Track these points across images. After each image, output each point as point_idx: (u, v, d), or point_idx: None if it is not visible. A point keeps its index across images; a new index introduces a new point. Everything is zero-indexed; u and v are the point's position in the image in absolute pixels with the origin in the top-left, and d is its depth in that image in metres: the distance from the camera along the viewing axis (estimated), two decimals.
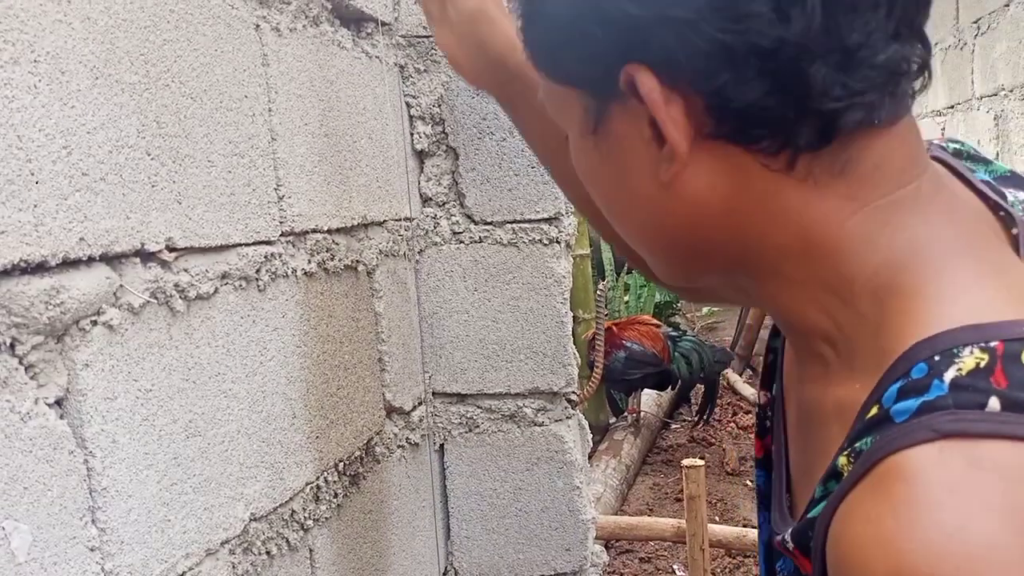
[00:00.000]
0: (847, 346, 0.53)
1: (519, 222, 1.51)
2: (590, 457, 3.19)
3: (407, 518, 1.41)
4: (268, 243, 0.99)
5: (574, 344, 1.59)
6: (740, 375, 5.52)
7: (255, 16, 0.99)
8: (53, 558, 0.65)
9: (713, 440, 4.54)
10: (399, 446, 1.39)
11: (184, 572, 0.82)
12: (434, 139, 1.50)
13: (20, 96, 0.63)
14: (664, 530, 2.58)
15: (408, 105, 1.49)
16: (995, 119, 3.29)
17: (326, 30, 1.18)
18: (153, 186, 0.78)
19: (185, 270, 0.83)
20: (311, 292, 1.10)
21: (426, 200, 1.53)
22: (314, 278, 1.11)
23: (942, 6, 3.86)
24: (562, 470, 1.57)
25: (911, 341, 0.47)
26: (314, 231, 1.11)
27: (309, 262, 1.09)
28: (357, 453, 1.22)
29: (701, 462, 2.38)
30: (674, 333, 4.52)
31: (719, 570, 3.14)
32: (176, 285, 0.81)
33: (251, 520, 0.94)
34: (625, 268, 5.91)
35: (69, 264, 0.68)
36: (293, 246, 1.06)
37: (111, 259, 0.73)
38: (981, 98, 3.44)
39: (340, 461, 1.17)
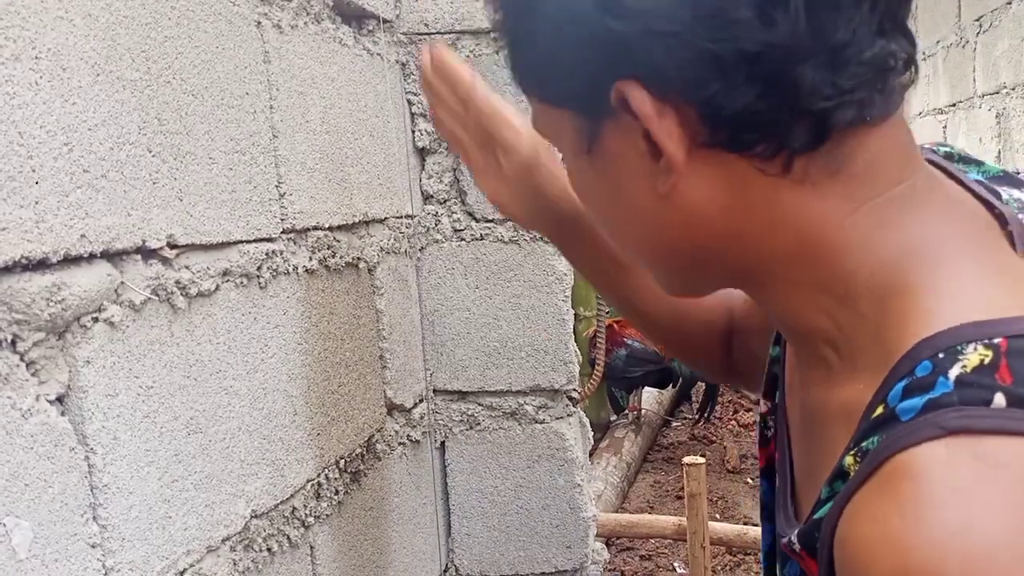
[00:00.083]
0: (849, 347, 0.53)
1: None
2: (591, 455, 3.19)
3: (408, 515, 1.41)
4: (269, 240, 0.99)
5: (575, 342, 1.59)
6: None
7: (256, 13, 0.98)
8: (54, 555, 0.65)
9: (714, 438, 4.54)
10: (400, 443, 1.39)
11: (185, 569, 0.82)
12: (435, 136, 1.50)
13: (21, 93, 0.63)
14: (665, 528, 2.58)
15: (409, 102, 1.49)
16: (997, 117, 3.29)
17: (328, 27, 1.18)
18: (154, 183, 0.78)
19: (186, 267, 0.83)
20: (312, 289, 1.10)
21: (427, 197, 1.53)
22: (315, 275, 1.11)
23: (944, 4, 3.85)
24: (563, 467, 1.58)
25: (914, 339, 0.47)
26: (315, 228, 1.11)
27: (310, 259, 1.09)
28: (358, 450, 1.22)
29: (702, 460, 2.38)
30: None
31: (720, 568, 3.14)
32: (177, 282, 0.81)
33: (252, 517, 0.94)
34: None
35: (70, 261, 0.68)
36: (294, 243, 1.06)
37: (112, 256, 0.73)
38: (983, 96, 3.44)
39: (341, 458, 1.17)
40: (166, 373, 0.80)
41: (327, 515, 1.12)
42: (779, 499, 0.63)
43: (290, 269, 1.04)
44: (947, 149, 0.62)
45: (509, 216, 0.90)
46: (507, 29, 0.56)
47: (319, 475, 1.10)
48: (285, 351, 1.02)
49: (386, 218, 1.36)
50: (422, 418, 1.50)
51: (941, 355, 0.45)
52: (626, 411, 4.42)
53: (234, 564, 0.90)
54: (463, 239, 1.52)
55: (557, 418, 1.57)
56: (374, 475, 1.28)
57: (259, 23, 0.99)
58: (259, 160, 0.97)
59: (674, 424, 4.84)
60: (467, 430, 1.57)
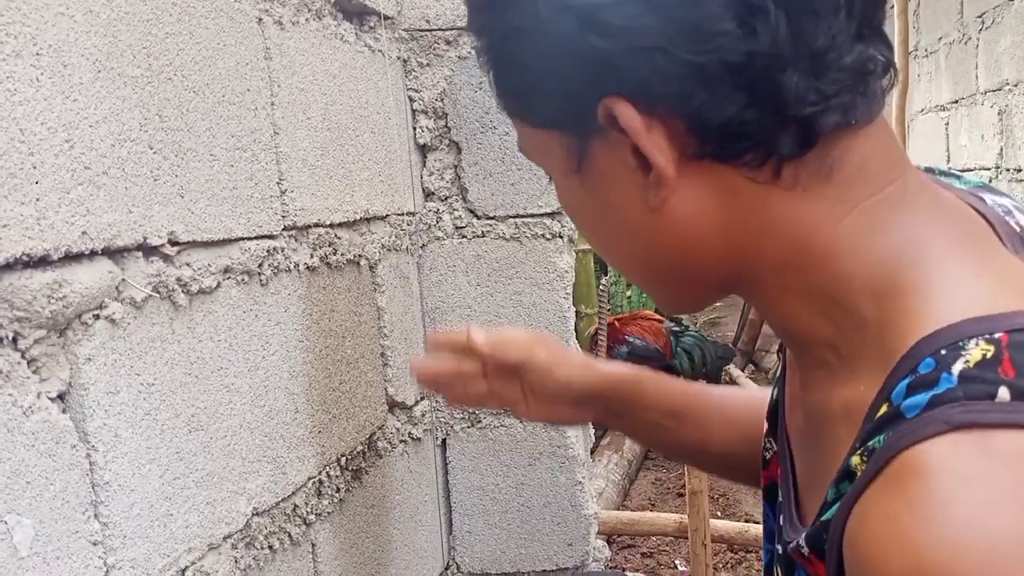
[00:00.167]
0: (849, 349, 0.53)
1: (522, 217, 1.51)
2: (592, 452, 3.19)
3: (409, 513, 1.41)
4: (270, 237, 0.99)
5: (577, 339, 1.58)
6: (742, 370, 5.51)
7: (257, 9, 0.98)
8: (56, 552, 0.65)
9: None
10: (401, 441, 1.39)
11: (186, 567, 0.82)
12: (437, 133, 1.50)
13: (22, 89, 0.63)
14: (666, 525, 2.58)
15: (411, 99, 1.49)
16: (999, 114, 3.29)
17: (329, 24, 1.18)
18: (155, 180, 0.78)
19: (187, 264, 0.83)
20: (313, 286, 1.10)
21: (429, 194, 1.52)
22: (316, 272, 1.11)
23: (946, 0, 3.85)
24: (564, 465, 1.57)
25: (915, 337, 0.47)
26: (316, 225, 1.11)
27: (311, 256, 1.09)
28: (359, 448, 1.22)
29: None
30: (676, 328, 4.52)
31: (721, 565, 3.14)
32: (178, 279, 0.81)
33: (253, 514, 0.94)
34: None
35: (71, 258, 0.68)
36: (295, 240, 1.05)
37: (113, 253, 0.73)
38: (985, 93, 3.43)
39: (342, 456, 1.17)
40: (167, 370, 0.80)
41: (328, 513, 1.12)
42: (783, 507, 0.63)
43: (291, 266, 1.03)
44: (926, 166, 0.63)
45: (567, 423, 0.91)
46: (491, 54, 0.56)
47: (320, 473, 1.10)
48: (286, 348, 1.02)
49: (387, 215, 1.36)
50: (423, 416, 1.50)
51: (943, 352, 0.45)
52: None
53: (235, 562, 0.90)
54: (464, 236, 1.52)
55: None
56: (375, 473, 1.28)
57: (260, 19, 0.99)
58: (260, 157, 0.97)
59: None
60: (468, 428, 1.57)
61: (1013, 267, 0.51)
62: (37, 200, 0.64)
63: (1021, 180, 3.15)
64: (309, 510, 1.06)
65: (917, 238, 0.51)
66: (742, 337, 5.82)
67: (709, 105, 0.48)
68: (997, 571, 0.39)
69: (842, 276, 0.52)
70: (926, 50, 4.21)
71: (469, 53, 1.47)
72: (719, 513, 3.50)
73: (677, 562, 3.23)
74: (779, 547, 0.62)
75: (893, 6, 3.08)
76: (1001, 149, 3.29)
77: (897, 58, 3.14)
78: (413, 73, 1.48)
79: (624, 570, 3.11)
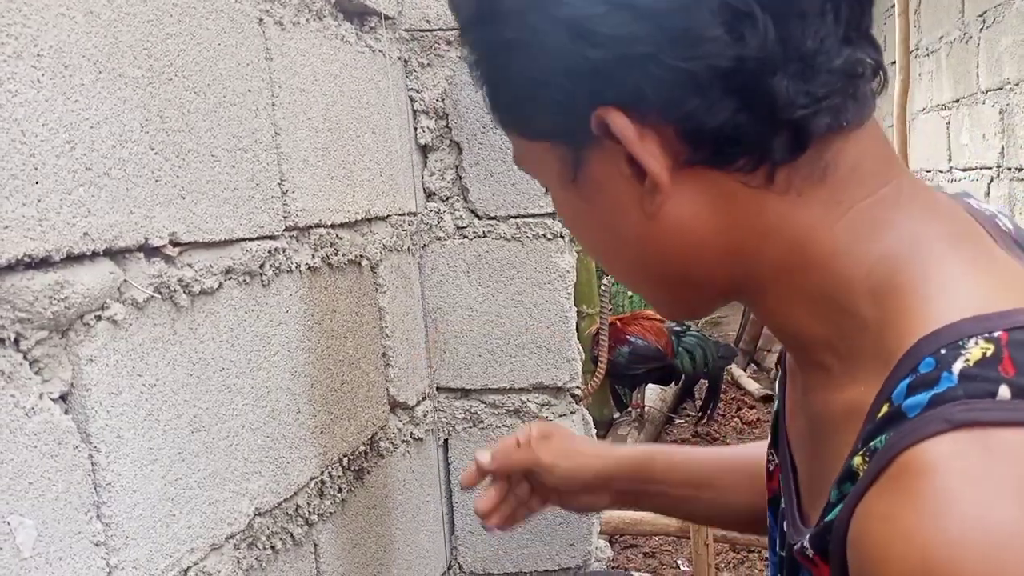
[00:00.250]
0: (849, 350, 0.53)
1: (523, 217, 1.51)
2: None
3: (411, 513, 1.41)
4: (272, 238, 0.99)
5: (578, 339, 1.58)
6: (744, 370, 5.51)
7: (258, 10, 0.98)
8: (58, 553, 0.65)
9: (717, 435, 4.54)
10: (403, 441, 1.39)
11: (189, 567, 0.82)
12: (438, 133, 1.50)
13: (23, 90, 0.63)
14: (668, 525, 2.58)
15: (412, 99, 1.49)
16: (1000, 113, 3.28)
17: (329, 24, 1.18)
18: (157, 181, 0.78)
19: (189, 265, 0.83)
20: (315, 287, 1.10)
21: (430, 195, 1.52)
22: (318, 273, 1.11)
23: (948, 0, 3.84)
24: None
25: (915, 337, 0.47)
26: (318, 226, 1.11)
27: (313, 257, 1.09)
28: (361, 448, 1.22)
29: None
30: (678, 328, 4.52)
31: (723, 565, 3.14)
32: (180, 280, 0.81)
33: (256, 515, 0.94)
34: None
35: (73, 259, 0.68)
36: (297, 241, 1.05)
37: (115, 254, 0.73)
38: (986, 92, 3.43)
39: (344, 456, 1.17)
40: (169, 371, 0.80)
41: (331, 513, 1.12)
42: (786, 511, 0.63)
43: (293, 267, 1.03)
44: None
45: (592, 510, 0.95)
46: (483, 68, 0.56)
47: (322, 473, 1.10)
48: (288, 349, 1.02)
49: (389, 216, 1.36)
50: (425, 416, 1.50)
51: (943, 351, 0.45)
52: (629, 408, 4.42)
53: (238, 562, 0.90)
54: (466, 237, 1.52)
55: (560, 416, 1.56)
56: (377, 473, 1.28)
57: (261, 20, 0.99)
58: (261, 157, 0.97)
59: (677, 421, 4.84)
60: (470, 428, 1.57)
61: (1009, 265, 0.51)
62: (38, 201, 0.64)
63: (1023, 179, 3.14)
64: (311, 510, 1.06)
65: (913, 238, 0.51)
66: (744, 337, 5.82)
67: (701, 111, 0.49)
68: (1000, 569, 0.39)
69: (840, 277, 0.52)
70: (927, 49, 4.20)
71: None
72: None
73: (679, 562, 3.23)
74: (783, 553, 0.62)
75: (894, 5, 3.07)
76: (1002, 148, 3.29)
77: (898, 57, 3.12)
78: (414, 73, 1.48)
79: (628, 570, 3.11)
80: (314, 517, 1.07)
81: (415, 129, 1.49)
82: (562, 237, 1.52)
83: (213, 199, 0.87)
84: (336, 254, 1.15)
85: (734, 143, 0.50)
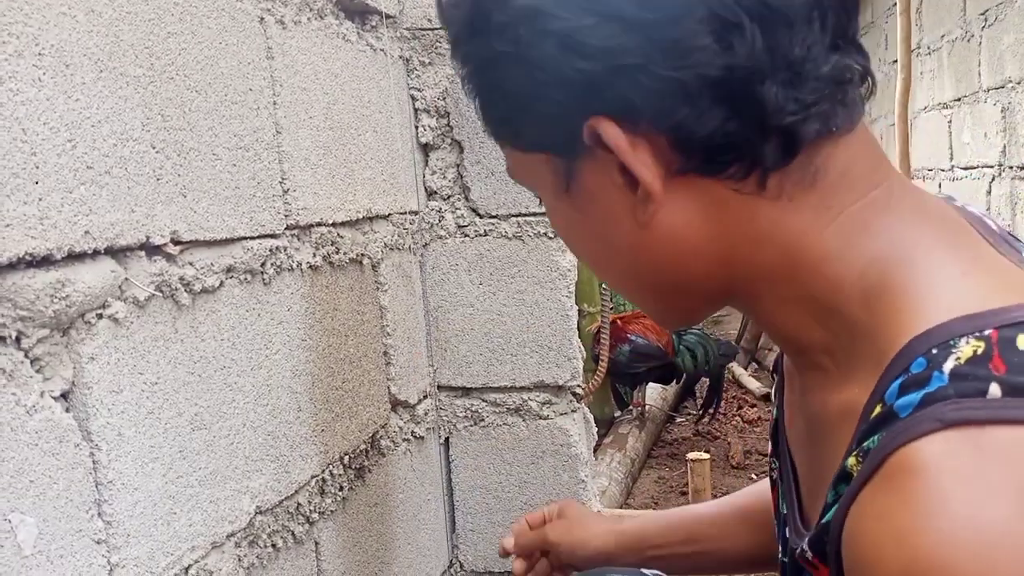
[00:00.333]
0: (844, 352, 0.54)
1: (524, 215, 1.51)
2: (595, 451, 3.18)
3: (412, 511, 1.41)
4: (273, 236, 0.99)
5: (579, 337, 1.58)
6: (745, 369, 5.51)
7: (259, 9, 0.98)
8: (59, 551, 0.65)
9: (718, 434, 4.54)
10: (404, 439, 1.39)
11: (190, 565, 0.82)
12: (439, 132, 1.50)
13: (25, 89, 0.63)
14: None
15: (413, 98, 1.49)
16: (1002, 111, 3.28)
17: (331, 23, 1.18)
18: (158, 179, 0.78)
19: (190, 263, 0.83)
20: (316, 285, 1.10)
21: (431, 193, 1.53)
22: (319, 271, 1.11)
23: None
24: (567, 463, 1.57)
25: (906, 337, 0.48)
26: (319, 224, 1.11)
27: (314, 255, 1.09)
28: (362, 446, 1.22)
29: (706, 456, 2.38)
30: None
31: None
32: (181, 278, 0.81)
33: (257, 513, 0.94)
34: None
35: (74, 257, 0.68)
36: (298, 239, 1.06)
37: (116, 252, 0.73)
38: (988, 90, 3.43)
39: (345, 454, 1.17)
40: (170, 369, 0.80)
41: (331, 511, 1.12)
42: (788, 516, 0.63)
43: (294, 265, 1.04)
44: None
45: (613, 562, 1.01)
46: (475, 82, 0.57)
47: (323, 471, 1.10)
48: (289, 347, 1.02)
49: (390, 214, 1.36)
50: (426, 414, 1.50)
51: (935, 351, 0.46)
52: (630, 407, 4.42)
53: (239, 560, 0.90)
54: (467, 235, 1.52)
55: (561, 414, 1.56)
56: (378, 471, 1.28)
57: (262, 19, 0.99)
58: (263, 156, 0.97)
59: (678, 420, 4.84)
60: (471, 426, 1.57)
61: (999, 264, 0.51)
62: (40, 200, 0.64)
63: None
64: (312, 508, 1.06)
65: (904, 239, 0.52)
66: (745, 335, 5.82)
67: (691, 120, 0.49)
68: (993, 567, 0.39)
69: (832, 280, 0.53)
70: (929, 48, 4.20)
71: None
72: None
73: None
74: (786, 558, 0.62)
75: (896, 3, 3.07)
76: (1004, 147, 3.29)
77: (900, 55, 3.11)
78: (415, 72, 1.48)
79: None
80: (315, 515, 1.07)
81: (416, 128, 1.49)
82: None
83: (214, 198, 0.87)
84: (337, 253, 1.15)
85: (725, 151, 0.50)
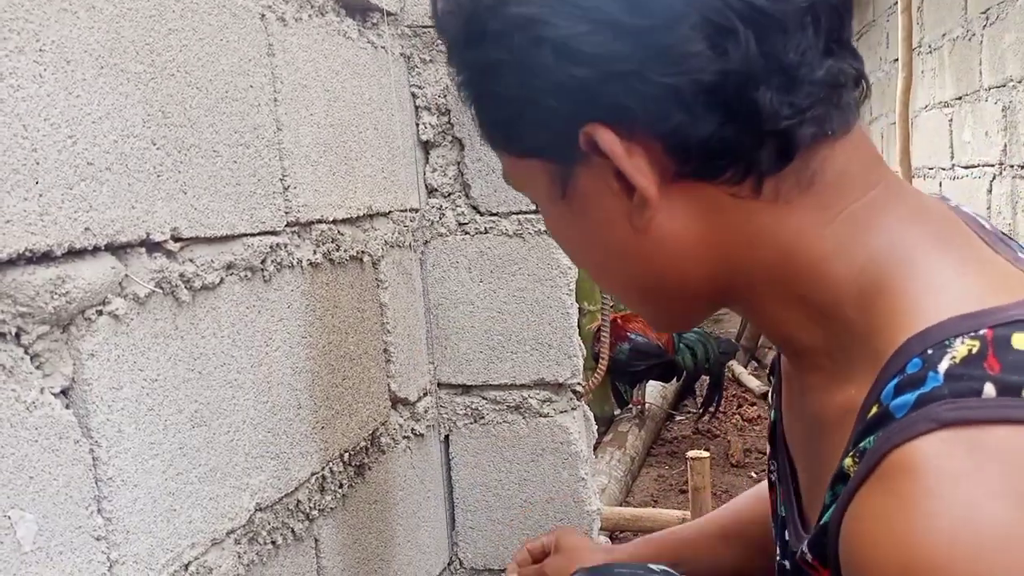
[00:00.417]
0: (842, 353, 0.54)
1: (525, 213, 1.51)
2: (595, 448, 3.19)
3: (412, 509, 1.42)
4: (273, 233, 0.99)
5: (579, 335, 1.58)
6: (745, 367, 5.51)
7: (260, 6, 0.98)
8: (59, 547, 0.65)
9: (718, 432, 4.54)
10: (404, 437, 1.40)
11: (190, 562, 0.82)
12: (440, 129, 1.50)
13: (25, 85, 0.63)
14: (669, 521, 2.58)
15: (414, 95, 1.49)
16: (1003, 110, 3.28)
17: (332, 20, 1.18)
18: (158, 176, 0.78)
19: (190, 260, 0.83)
20: (316, 283, 1.10)
21: (432, 191, 1.52)
22: (319, 269, 1.11)
23: None
24: (567, 461, 1.57)
25: (902, 337, 0.48)
26: (319, 222, 1.11)
27: (315, 253, 1.09)
28: (362, 444, 1.23)
29: (706, 454, 2.38)
30: None
31: None
32: (182, 275, 0.81)
33: (257, 510, 0.94)
34: None
35: (74, 254, 0.68)
36: (299, 236, 1.05)
37: (116, 249, 0.73)
38: (989, 89, 3.42)
39: (345, 452, 1.17)
40: (170, 366, 0.80)
41: (331, 508, 1.12)
42: (788, 519, 0.63)
43: (294, 262, 1.04)
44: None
45: None
46: (471, 89, 0.57)
47: (323, 468, 1.10)
48: (289, 344, 1.02)
49: (390, 211, 1.36)
50: (426, 412, 1.50)
51: (930, 350, 0.46)
52: (630, 405, 4.42)
53: (239, 557, 0.90)
54: (467, 233, 1.52)
55: (561, 412, 1.56)
56: (378, 469, 1.28)
57: (263, 16, 0.99)
58: (263, 153, 0.97)
59: (678, 418, 4.84)
60: (471, 424, 1.57)
61: (995, 264, 0.52)
62: (40, 196, 0.64)
63: None
64: (312, 506, 1.06)
65: (901, 240, 0.52)
66: (745, 333, 5.82)
67: (686, 125, 0.49)
68: (989, 566, 0.39)
69: (830, 281, 0.53)
70: (930, 46, 4.20)
71: None
72: None
73: None
74: (784, 562, 0.62)
75: (897, 2, 3.07)
76: (1005, 145, 3.28)
77: (901, 54, 3.12)
78: (416, 69, 1.47)
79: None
80: (315, 512, 1.07)
81: (417, 125, 1.49)
82: None
83: (215, 194, 0.87)
84: (338, 250, 1.15)
85: (721, 156, 0.51)
